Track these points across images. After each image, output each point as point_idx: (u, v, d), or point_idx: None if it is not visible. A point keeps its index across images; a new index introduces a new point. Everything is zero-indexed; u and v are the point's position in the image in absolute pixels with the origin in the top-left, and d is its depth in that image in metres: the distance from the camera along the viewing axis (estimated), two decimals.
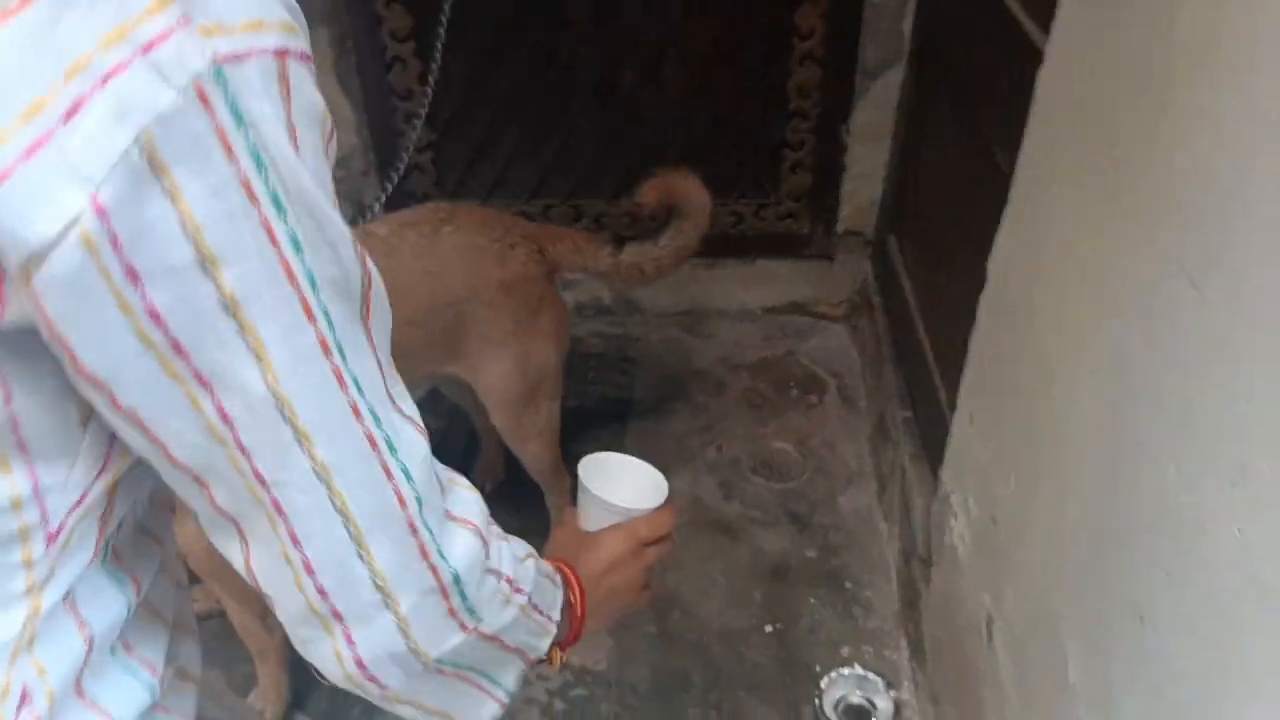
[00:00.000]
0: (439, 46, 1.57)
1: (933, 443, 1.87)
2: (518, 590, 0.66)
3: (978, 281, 1.45)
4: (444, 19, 1.51)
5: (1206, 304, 0.80)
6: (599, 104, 2.38)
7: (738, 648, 1.86)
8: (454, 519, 0.60)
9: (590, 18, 2.29)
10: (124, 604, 0.59)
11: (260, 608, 1.49)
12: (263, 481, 0.50)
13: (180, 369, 0.46)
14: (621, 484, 0.90)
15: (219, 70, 0.41)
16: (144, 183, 0.41)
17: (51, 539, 0.52)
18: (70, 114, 0.39)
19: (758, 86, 2.34)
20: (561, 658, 0.78)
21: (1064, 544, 1.12)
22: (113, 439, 0.52)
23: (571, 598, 0.78)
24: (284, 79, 0.45)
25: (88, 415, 0.50)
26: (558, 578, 0.76)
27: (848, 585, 1.97)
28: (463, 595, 0.60)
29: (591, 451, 0.91)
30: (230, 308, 0.45)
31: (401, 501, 0.55)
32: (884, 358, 2.28)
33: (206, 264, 0.43)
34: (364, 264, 0.53)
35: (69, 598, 0.55)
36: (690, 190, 1.84)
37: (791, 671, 1.81)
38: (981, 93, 1.68)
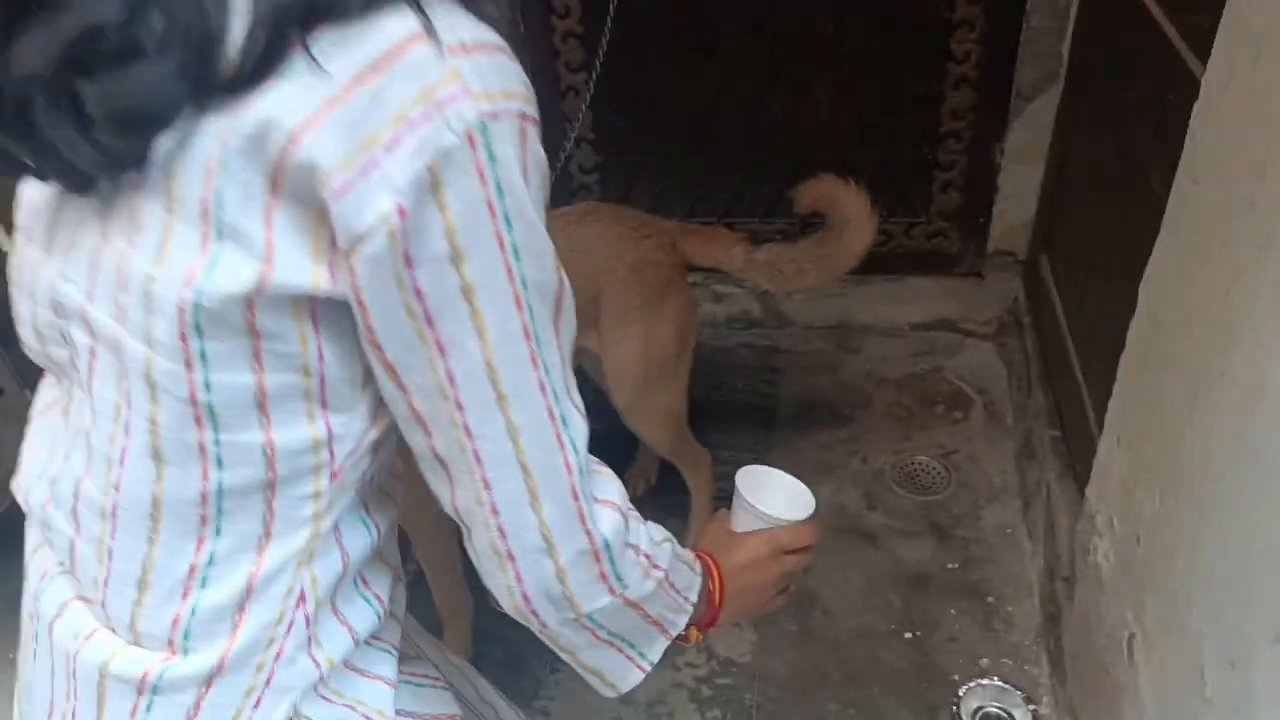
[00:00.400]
0: (596, 69, 1.75)
1: (1080, 462, 1.90)
2: (655, 566, 0.78)
3: (1129, 305, 1.48)
4: (603, 46, 1.69)
5: None
6: (750, 122, 2.50)
7: (876, 650, 1.93)
8: (599, 500, 0.73)
9: (743, 36, 2.40)
10: (369, 543, 0.77)
11: (452, 572, 1.71)
12: (469, 433, 0.65)
13: (428, 335, 0.62)
14: (773, 495, 1.00)
15: (483, 123, 0.58)
16: (427, 197, 0.58)
17: (333, 477, 0.69)
18: (390, 147, 0.57)
19: (910, 108, 2.40)
20: (699, 636, 0.90)
21: (1205, 563, 1.15)
22: (380, 401, 0.69)
23: (710, 585, 0.89)
24: (523, 134, 0.62)
25: (367, 378, 0.67)
26: (697, 565, 0.87)
27: (989, 599, 2.01)
28: (611, 562, 0.73)
29: (735, 457, 1.02)
30: (466, 293, 0.61)
31: (569, 468, 0.68)
32: (1032, 376, 2.29)
33: (456, 258, 0.60)
34: (560, 277, 0.68)
35: (336, 528, 0.73)
36: (848, 200, 1.86)
37: (929, 678, 1.86)
38: (1137, 118, 1.70)
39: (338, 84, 0.56)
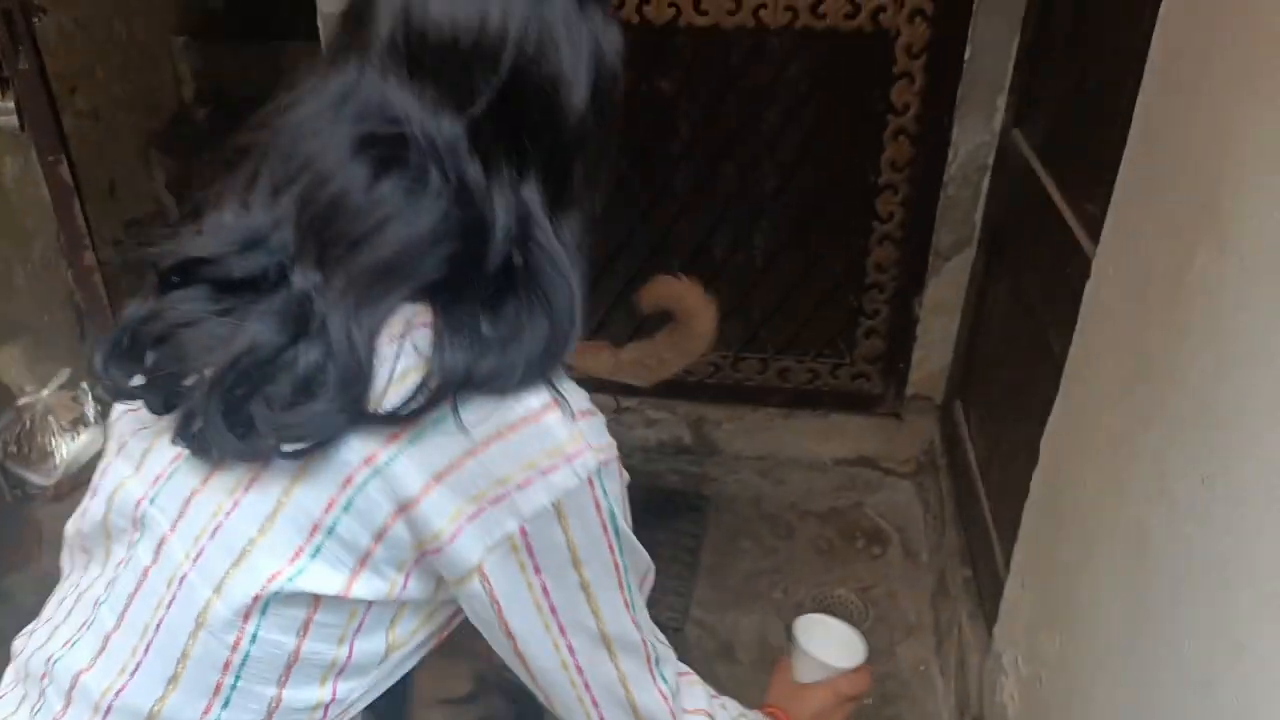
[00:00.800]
0: None
1: (988, 602, 1.99)
2: None
3: (1033, 455, 1.61)
4: None
5: (1216, 502, 0.97)
6: (694, 266, 2.65)
7: None
8: (689, 711, 0.92)
9: (690, 188, 2.59)
10: None
11: None
12: (580, 672, 0.83)
13: (551, 621, 0.80)
14: (829, 643, 1.15)
15: (599, 469, 0.77)
16: (551, 522, 0.75)
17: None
18: (522, 486, 0.73)
19: (840, 258, 2.58)
20: None
21: (1099, 705, 1.24)
22: (381, 671, 0.82)
23: None
24: (620, 471, 0.81)
25: (387, 653, 0.80)
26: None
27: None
28: None
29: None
30: (584, 587, 0.79)
31: (663, 696, 0.88)
32: (946, 517, 2.41)
33: (577, 564, 0.78)
34: (648, 560, 0.88)
35: None
36: (685, 293, 2.00)
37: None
38: (1040, 287, 1.89)
39: (479, 440, 0.71)
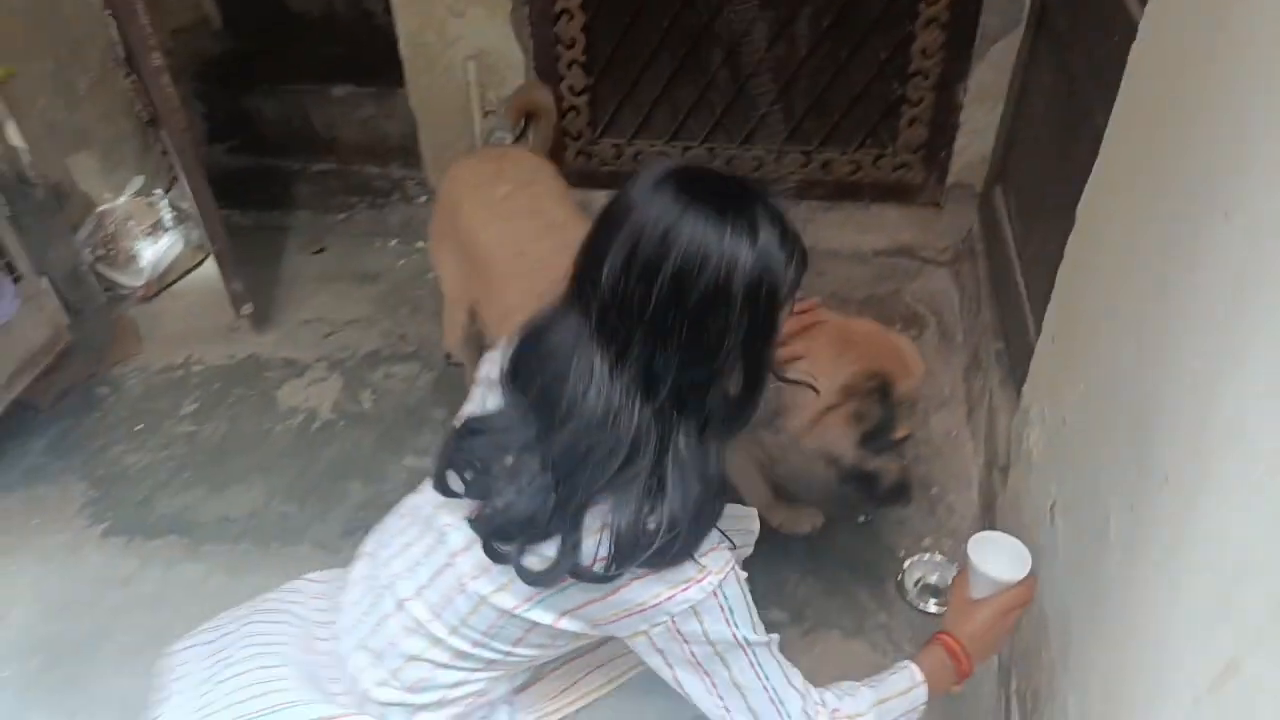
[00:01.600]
0: None
1: (1019, 368, 2.14)
2: None
3: (1069, 224, 1.70)
4: None
5: (1233, 231, 1.07)
6: (735, 57, 2.66)
7: (833, 532, 2.18)
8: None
9: None
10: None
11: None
12: (726, 709, 1.19)
13: (700, 671, 1.16)
14: (998, 557, 1.37)
15: (720, 583, 1.11)
16: (691, 616, 1.12)
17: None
18: (677, 591, 1.10)
19: (883, 45, 2.58)
20: (959, 690, 1.36)
21: (1113, 429, 1.39)
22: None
23: (955, 659, 1.33)
24: (738, 576, 1.15)
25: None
26: (914, 688, 1.29)
27: (934, 490, 2.27)
28: None
29: None
30: (720, 654, 1.15)
31: None
32: (982, 297, 2.53)
33: (709, 641, 1.13)
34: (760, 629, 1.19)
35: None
36: (538, 96, 2.38)
37: (878, 554, 2.12)
38: (1086, 58, 1.91)
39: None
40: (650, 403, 1.03)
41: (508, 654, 1.26)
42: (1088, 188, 1.62)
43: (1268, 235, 0.99)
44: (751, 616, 1.16)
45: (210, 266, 2.99)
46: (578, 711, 1.48)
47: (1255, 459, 0.98)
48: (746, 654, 1.15)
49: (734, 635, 1.13)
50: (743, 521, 1.58)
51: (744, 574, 1.18)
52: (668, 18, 2.62)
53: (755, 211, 1.00)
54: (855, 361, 1.69)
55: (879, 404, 1.71)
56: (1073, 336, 1.64)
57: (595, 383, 1.03)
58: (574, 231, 1.22)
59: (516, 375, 1.14)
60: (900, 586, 2.04)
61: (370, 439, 2.44)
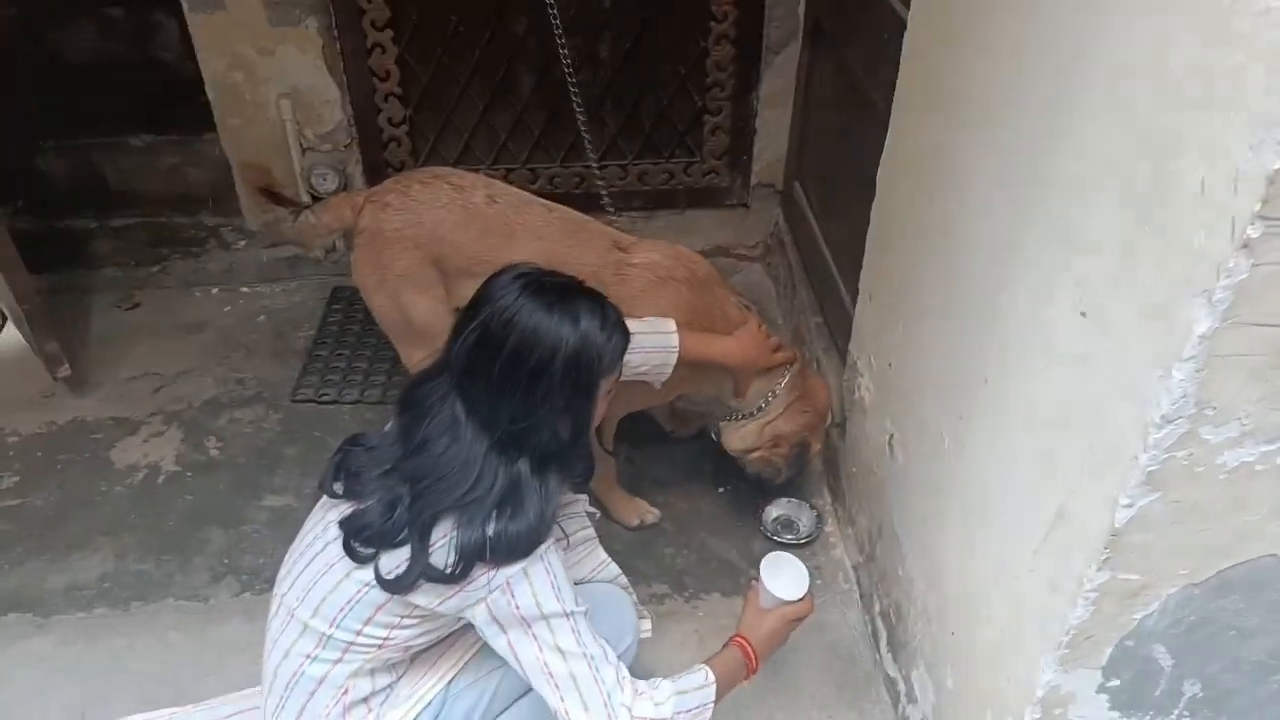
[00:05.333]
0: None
1: (840, 336, 2.39)
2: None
3: (869, 196, 1.96)
4: None
5: (1009, 166, 1.31)
6: (546, 82, 2.81)
7: (698, 504, 2.34)
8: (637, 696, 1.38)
9: (533, 7, 2.71)
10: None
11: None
12: (550, 675, 1.34)
13: (526, 636, 1.34)
14: (783, 574, 1.59)
15: (545, 551, 1.35)
16: (520, 577, 1.32)
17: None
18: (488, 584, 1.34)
19: (681, 62, 2.81)
20: (748, 683, 1.57)
21: (932, 357, 1.63)
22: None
23: (747, 656, 1.54)
24: (559, 551, 1.39)
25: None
26: (708, 685, 1.44)
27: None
28: None
29: None
30: (547, 621, 1.33)
31: (598, 685, 1.34)
32: (796, 281, 2.79)
33: (543, 614, 1.33)
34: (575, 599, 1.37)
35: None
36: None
37: (741, 516, 2.30)
38: (863, 57, 2.19)
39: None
40: (491, 443, 1.32)
41: (357, 635, 1.36)
42: (883, 160, 1.88)
43: (1030, 154, 1.23)
44: (572, 590, 1.36)
45: (10, 334, 2.79)
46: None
47: (1051, 343, 1.21)
48: (569, 621, 1.34)
49: (558, 601, 1.33)
50: (572, 507, 1.70)
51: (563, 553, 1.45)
52: (478, 47, 2.73)
53: (578, 306, 1.32)
54: (795, 422, 2.11)
55: (793, 465, 2.15)
56: (887, 290, 1.89)
57: (450, 424, 1.33)
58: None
59: (402, 407, 1.42)
60: (761, 523, 2.23)
61: (223, 485, 2.36)
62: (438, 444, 1.32)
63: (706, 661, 1.48)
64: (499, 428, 1.31)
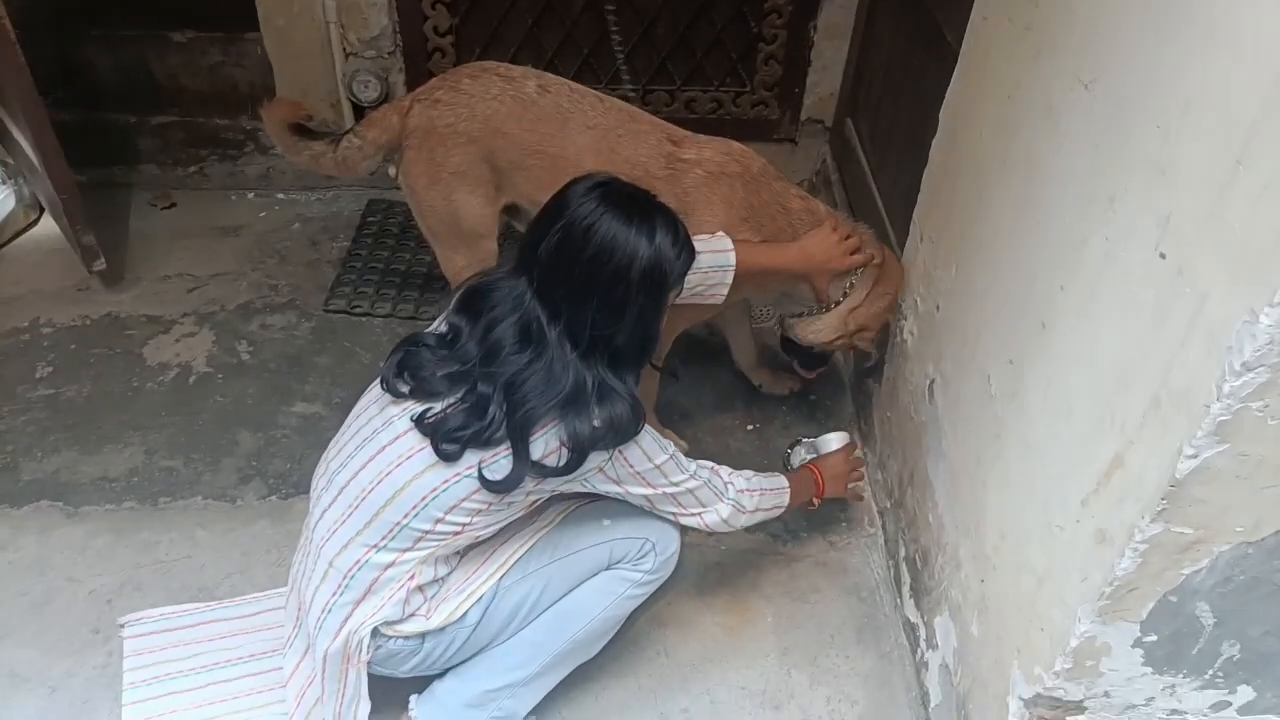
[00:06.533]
0: None
1: None
2: (749, 509, 1.69)
3: (929, 135, 1.88)
4: None
5: (1095, 100, 1.25)
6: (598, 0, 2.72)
7: (725, 440, 2.32)
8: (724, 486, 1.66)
9: None
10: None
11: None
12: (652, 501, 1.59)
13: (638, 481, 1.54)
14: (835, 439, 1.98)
15: (647, 426, 1.51)
16: (631, 445, 1.48)
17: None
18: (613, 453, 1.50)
19: None
20: (817, 503, 1.92)
21: (987, 300, 1.58)
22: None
23: (818, 482, 1.89)
24: (647, 431, 1.52)
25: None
26: (783, 490, 1.76)
27: (812, 397, 2.44)
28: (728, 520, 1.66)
29: None
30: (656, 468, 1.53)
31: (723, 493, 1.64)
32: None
33: (655, 466, 1.53)
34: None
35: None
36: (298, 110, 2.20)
37: (768, 455, 2.27)
38: None
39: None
40: (576, 349, 1.38)
41: (436, 524, 1.41)
42: (949, 93, 1.80)
43: (1123, 101, 1.17)
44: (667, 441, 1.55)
45: (46, 226, 2.78)
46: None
47: (1125, 287, 1.15)
48: (673, 460, 1.53)
49: (662, 449, 1.51)
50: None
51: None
52: None
53: (655, 220, 1.38)
54: (878, 305, 2.03)
55: (881, 347, 2.12)
56: (942, 231, 1.83)
57: (532, 329, 1.38)
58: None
59: (464, 309, 1.44)
60: (787, 462, 2.21)
61: (254, 389, 2.36)
62: (521, 349, 1.38)
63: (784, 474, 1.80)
64: (584, 334, 1.37)
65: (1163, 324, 1.07)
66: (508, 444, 1.37)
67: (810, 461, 1.98)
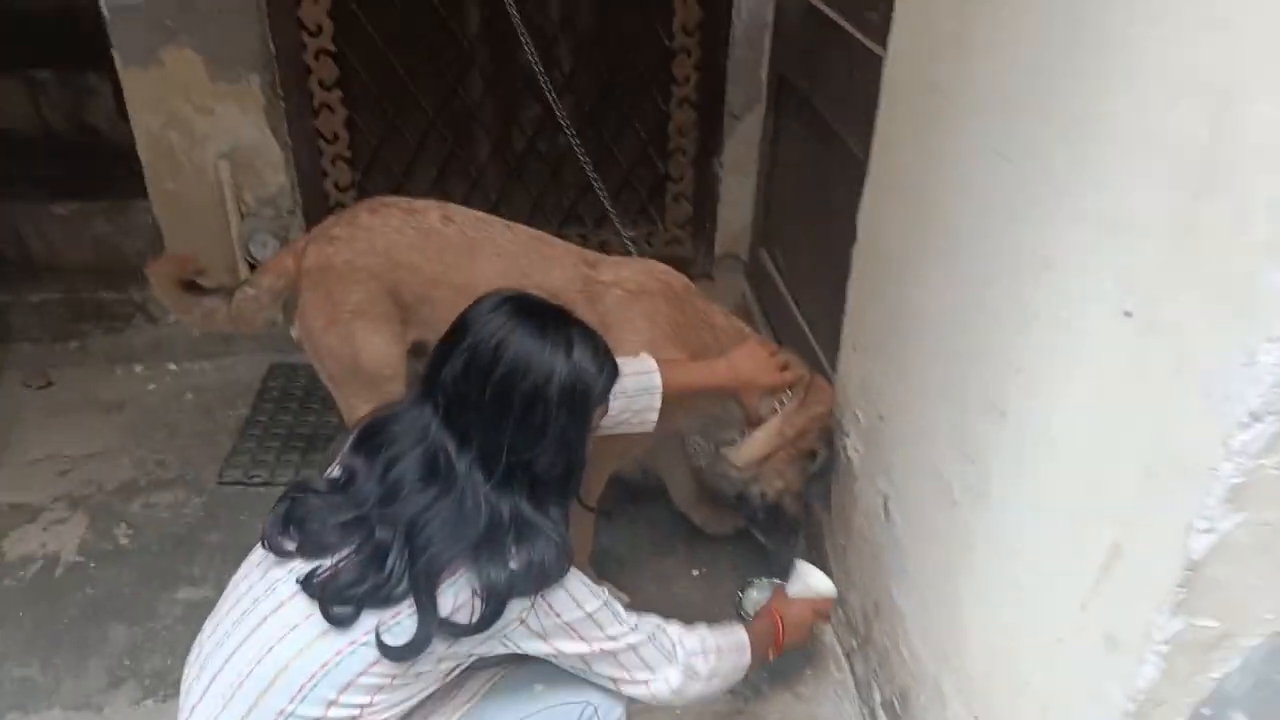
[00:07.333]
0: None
1: None
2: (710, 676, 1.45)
3: (848, 245, 1.83)
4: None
5: (1013, 167, 1.18)
6: (502, 143, 2.70)
7: (669, 588, 2.11)
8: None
9: (492, 66, 2.62)
10: None
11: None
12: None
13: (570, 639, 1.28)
14: (809, 578, 1.76)
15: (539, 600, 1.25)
16: (556, 589, 1.24)
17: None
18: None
19: (642, 127, 2.72)
20: (776, 653, 1.66)
21: (934, 398, 1.46)
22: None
23: (775, 629, 1.65)
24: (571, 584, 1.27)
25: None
26: (745, 647, 1.53)
27: (756, 534, 2.26)
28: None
29: None
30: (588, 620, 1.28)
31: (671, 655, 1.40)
32: None
33: (588, 614, 1.27)
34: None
35: None
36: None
37: (718, 602, 2.07)
38: (835, 105, 2.11)
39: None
40: (490, 480, 1.20)
41: (328, 708, 1.17)
42: (863, 201, 1.76)
43: (1051, 143, 1.10)
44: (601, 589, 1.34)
45: None
46: None
47: (1087, 355, 1.05)
48: (608, 609, 1.31)
49: (594, 596, 1.28)
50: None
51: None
52: (431, 108, 2.63)
53: (571, 333, 1.25)
54: (812, 412, 1.89)
55: (825, 445, 1.94)
56: (877, 336, 1.74)
57: (439, 462, 1.20)
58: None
59: (360, 448, 1.26)
60: (740, 607, 2.00)
61: (131, 575, 2.08)
62: (425, 487, 1.20)
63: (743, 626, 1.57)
64: (499, 461, 1.20)
65: (1141, 386, 0.96)
66: (411, 600, 1.16)
67: (774, 602, 1.74)
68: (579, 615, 1.27)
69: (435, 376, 1.24)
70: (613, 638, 1.31)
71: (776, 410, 1.88)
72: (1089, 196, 1.05)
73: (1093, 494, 1.05)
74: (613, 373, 1.30)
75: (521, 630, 1.23)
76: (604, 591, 1.33)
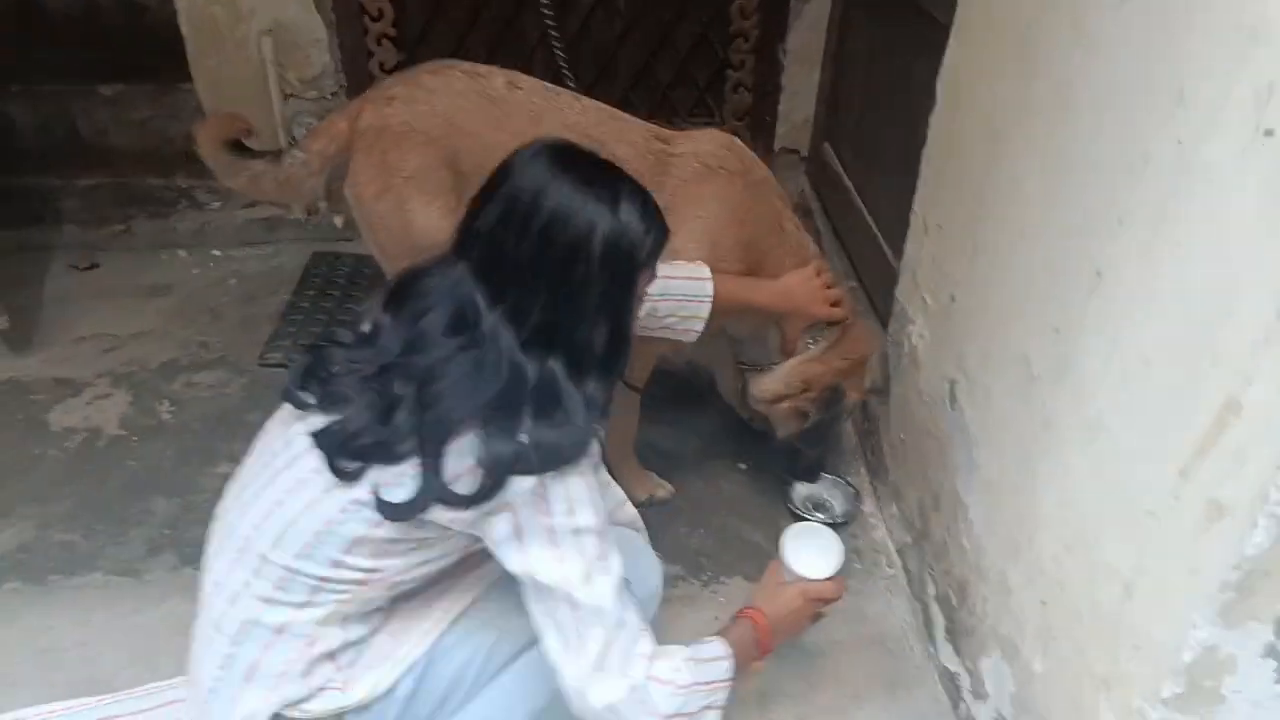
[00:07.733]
0: None
1: (879, 295, 2.11)
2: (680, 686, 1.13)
3: (922, 125, 1.69)
4: None
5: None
6: (555, 27, 2.57)
7: (716, 483, 2.04)
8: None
9: None
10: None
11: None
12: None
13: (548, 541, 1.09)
14: (811, 548, 1.34)
15: (595, 449, 1.11)
16: (558, 477, 1.07)
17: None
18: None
19: (703, 9, 2.57)
20: (761, 665, 1.32)
21: (1019, 266, 1.34)
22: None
23: (757, 633, 1.28)
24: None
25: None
26: (721, 657, 1.19)
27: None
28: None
29: None
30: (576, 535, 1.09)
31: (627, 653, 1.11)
32: (825, 251, 2.51)
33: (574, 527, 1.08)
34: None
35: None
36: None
37: (763, 497, 1.99)
38: None
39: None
40: (521, 337, 1.09)
41: (333, 568, 1.10)
42: (945, 60, 1.62)
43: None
44: (604, 508, 1.14)
45: None
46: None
47: (1211, 188, 0.92)
48: (602, 543, 1.10)
49: (595, 516, 1.10)
50: None
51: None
52: None
53: (619, 187, 1.13)
54: (830, 364, 1.78)
55: (821, 408, 1.82)
56: (951, 214, 1.61)
57: (466, 316, 1.10)
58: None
59: (391, 303, 1.16)
60: (789, 500, 1.93)
61: (173, 451, 2.06)
62: (449, 338, 1.10)
63: (718, 634, 1.24)
64: (530, 318, 1.09)
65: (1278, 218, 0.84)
66: (417, 458, 1.06)
67: (754, 595, 1.37)
68: (566, 525, 1.08)
69: (470, 228, 1.14)
70: (584, 578, 1.08)
71: (809, 347, 1.79)
72: (1235, 10, 0.91)
73: (1205, 346, 0.94)
74: (661, 234, 1.17)
75: (505, 523, 1.07)
76: (609, 532, 1.14)
